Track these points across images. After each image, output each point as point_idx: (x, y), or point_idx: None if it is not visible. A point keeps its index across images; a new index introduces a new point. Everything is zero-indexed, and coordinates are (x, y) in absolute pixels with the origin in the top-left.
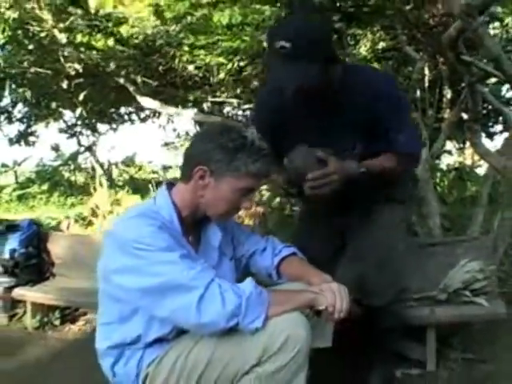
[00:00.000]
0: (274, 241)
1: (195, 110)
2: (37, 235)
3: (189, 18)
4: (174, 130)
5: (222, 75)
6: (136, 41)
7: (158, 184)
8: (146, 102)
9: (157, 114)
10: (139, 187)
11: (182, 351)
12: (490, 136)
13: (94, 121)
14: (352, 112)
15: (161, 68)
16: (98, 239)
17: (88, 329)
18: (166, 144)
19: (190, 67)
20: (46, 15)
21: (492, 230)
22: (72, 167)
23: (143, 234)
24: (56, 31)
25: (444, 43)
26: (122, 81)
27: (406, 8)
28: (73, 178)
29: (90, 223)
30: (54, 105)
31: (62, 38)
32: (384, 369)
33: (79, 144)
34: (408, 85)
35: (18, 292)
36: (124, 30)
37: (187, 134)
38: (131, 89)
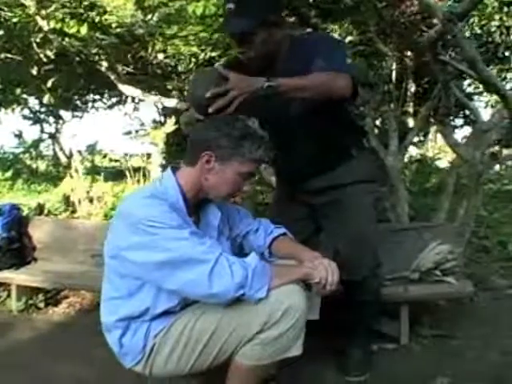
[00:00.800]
0: (266, 222)
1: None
2: (19, 220)
3: (166, 8)
4: (137, 117)
5: (190, 65)
6: (115, 29)
7: (135, 171)
8: (127, 89)
9: (122, 102)
10: (105, 175)
11: (189, 321)
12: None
13: (57, 108)
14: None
15: (130, 56)
16: (78, 224)
17: (72, 312)
18: (129, 132)
19: (160, 56)
20: (29, 2)
21: (457, 218)
22: (34, 154)
23: (154, 213)
24: (38, 18)
25: (424, 44)
26: (103, 69)
27: (380, 5)
28: (34, 166)
29: (65, 210)
30: (18, 91)
31: (44, 25)
32: (363, 343)
33: (42, 131)
34: (376, 77)
35: (5, 275)
36: (102, 18)
37: (154, 121)
38: (112, 77)
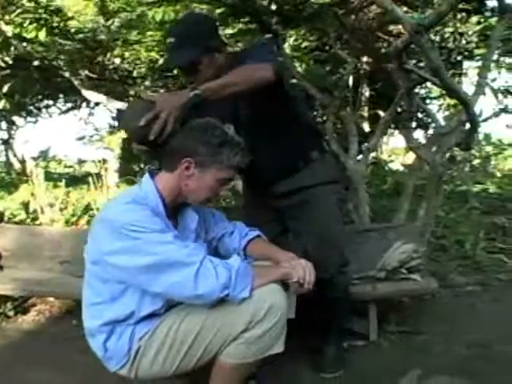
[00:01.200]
0: (241, 225)
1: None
2: None
3: (127, 14)
4: (91, 123)
5: (143, 69)
6: (77, 35)
7: (98, 176)
8: (90, 95)
9: (77, 107)
10: (58, 181)
11: (173, 323)
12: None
13: (11, 114)
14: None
15: (88, 61)
16: (43, 230)
17: (41, 319)
18: (83, 137)
19: (117, 61)
20: None
21: (417, 218)
22: None
23: (137, 218)
24: (2, 23)
25: (389, 53)
26: (66, 74)
27: (340, 12)
28: None
29: (27, 217)
30: None
31: (8, 30)
32: (336, 340)
33: None
34: (335, 84)
35: None
36: (62, 23)
37: (110, 126)
38: (76, 82)
